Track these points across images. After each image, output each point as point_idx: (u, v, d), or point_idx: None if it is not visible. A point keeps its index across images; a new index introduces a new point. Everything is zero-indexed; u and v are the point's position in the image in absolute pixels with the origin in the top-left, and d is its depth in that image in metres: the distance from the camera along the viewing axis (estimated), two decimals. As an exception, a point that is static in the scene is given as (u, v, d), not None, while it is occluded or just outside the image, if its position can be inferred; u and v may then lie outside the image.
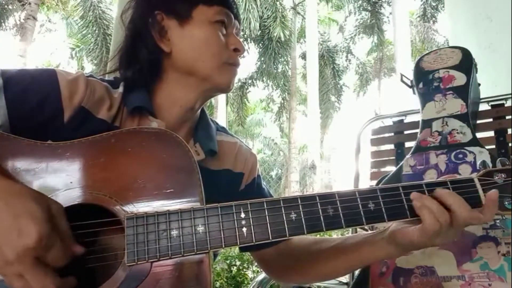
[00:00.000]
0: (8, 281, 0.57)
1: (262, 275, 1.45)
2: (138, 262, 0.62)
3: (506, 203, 0.68)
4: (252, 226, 0.64)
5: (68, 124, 0.75)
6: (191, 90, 0.85)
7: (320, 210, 0.66)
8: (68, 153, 0.70)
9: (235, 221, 0.64)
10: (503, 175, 0.69)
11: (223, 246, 0.63)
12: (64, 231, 0.61)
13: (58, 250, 0.58)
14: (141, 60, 0.85)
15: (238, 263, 5.31)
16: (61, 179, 0.68)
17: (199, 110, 0.92)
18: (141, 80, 0.85)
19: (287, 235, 0.64)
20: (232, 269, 5.35)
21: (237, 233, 0.64)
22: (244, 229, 0.64)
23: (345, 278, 1.62)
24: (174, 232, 0.63)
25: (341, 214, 0.66)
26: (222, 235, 0.63)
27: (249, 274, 5.29)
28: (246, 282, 5.16)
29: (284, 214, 0.65)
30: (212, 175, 0.86)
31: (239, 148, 0.96)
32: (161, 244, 0.63)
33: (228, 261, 5.35)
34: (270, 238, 0.64)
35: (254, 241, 0.63)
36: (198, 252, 0.63)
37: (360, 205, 0.67)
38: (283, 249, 0.91)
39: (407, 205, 0.68)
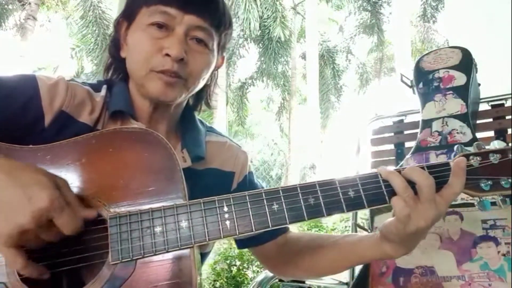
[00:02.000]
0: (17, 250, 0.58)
1: (262, 275, 1.45)
2: (123, 260, 0.63)
3: (483, 185, 0.69)
4: (235, 219, 0.65)
5: (49, 128, 0.75)
6: (142, 97, 0.84)
7: (301, 200, 0.67)
8: (49, 155, 0.70)
9: (218, 215, 0.65)
10: (478, 158, 0.70)
11: (207, 240, 0.64)
12: (72, 199, 0.62)
13: (69, 214, 0.60)
14: (114, 63, 0.88)
15: (238, 263, 5.31)
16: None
17: (175, 113, 0.90)
18: (119, 82, 0.86)
19: (270, 226, 0.66)
20: (232, 269, 5.35)
21: (220, 227, 0.65)
22: (228, 222, 0.65)
23: (345, 278, 1.62)
24: (158, 229, 0.64)
25: (322, 203, 0.67)
26: (206, 229, 0.64)
27: (249, 274, 5.29)
28: (246, 282, 5.16)
29: (266, 206, 0.66)
30: (197, 174, 0.86)
31: (229, 147, 0.96)
32: (145, 241, 0.63)
33: (228, 261, 5.35)
34: (254, 230, 0.65)
35: (237, 233, 0.65)
36: (182, 247, 0.63)
37: (340, 193, 0.68)
38: (282, 243, 0.92)
39: (386, 191, 0.68)
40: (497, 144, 0.72)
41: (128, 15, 0.84)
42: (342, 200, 0.68)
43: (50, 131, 0.75)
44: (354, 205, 0.68)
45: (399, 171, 0.69)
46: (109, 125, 0.81)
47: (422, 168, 0.69)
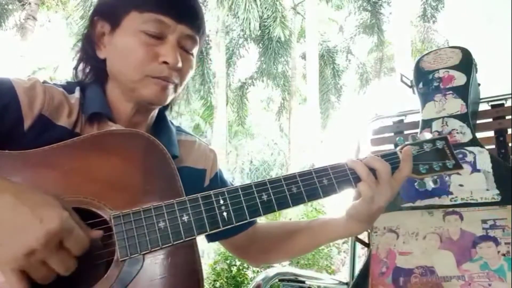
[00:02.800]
0: (27, 273, 0.56)
1: (262, 275, 1.45)
2: (131, 256, 0.65)
3: (421, 169, 0.85)
4: (231, 210, 0.71)
5: (28, 133, 0.73)
6: (126, 100, 0.84)
7: (286, 190, 0.76)
8: (42, 160, 0.69)
9: (216, 207, 0.71)
10: (416, 148, 0.86)
11: (208, 230, 0.69)
12: (78, 220, 0.62)
13: (78, 233, 0.60)
14: (89, 63, 0.86)
15: (238, 263, 5.31)
16: (38, 187, 0.66)
17: (153, 114, 0.91)
18: (92, 83, 0.85)
19: (262, 214, 0.73)
20: (232, 269, 5.35)
21: (219, 218, 0.70)
22: (225, 214, 0.71)
23: (345, 278, 1.63)
24: (161, 224, 0.67)
25: (303, 191, 0.77)
26: (206, 221, 0.69)
27: (249, 274, 5.30)
28: (246, 282, 5.17)
29: (257, 197, 0.74)
30: None
31: (198, 145, 0.99)
32: (151, 236, 0.66)
33: (228, 261, 5.36)
34: (248, 218, 0.72)
35: (234, 223, 0.71)
36: (186, 239, 0.67)
37: (316, 181, 0.78)
38: (252, 233, 0.97)
39: (352, 178, 0.80)
40: (426, 136, 0.89)
41: (110, 16, 0.82)
42: (318, 187, 0.78)
43: (29, 136, 0.73)
44: (328, 191, 0.79)
45: (361, 160, 0.81)
46: (86, 128, 0.80)
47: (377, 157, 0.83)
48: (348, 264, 1.67)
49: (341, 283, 1.58)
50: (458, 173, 1.34)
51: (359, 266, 1.50)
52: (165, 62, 0.79)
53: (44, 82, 0.80)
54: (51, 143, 0.71)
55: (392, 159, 0.83)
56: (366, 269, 1.35)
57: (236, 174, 15.80)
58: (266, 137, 17.83)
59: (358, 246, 1.68)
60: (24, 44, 11.40)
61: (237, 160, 16.86)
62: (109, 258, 0.65)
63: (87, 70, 0.87)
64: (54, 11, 14.18)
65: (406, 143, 0.88)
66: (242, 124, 14.94)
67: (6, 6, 12.34)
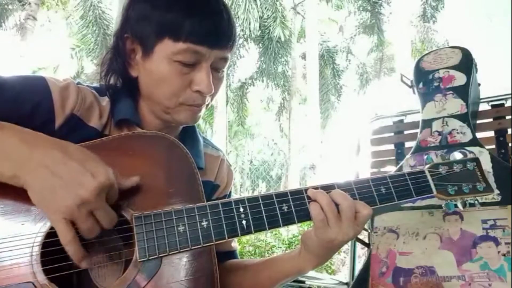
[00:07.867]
0: (76, 224, 0.61)
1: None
2: (150, 258, 0.65)
3: (450, 190, 0.82)
4: (250, 219, 0.71)
5: (58, 131, 0.74)
6: (157, 117, 0.85)
7: (307, 202, 0.74)
8: None
9: (235, 215, 0.71)
10: (446, 167, 0.83)
11: (226, 237, 0.69)
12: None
13: (116, 187, 0.65)
14: (120, 77, 0.85)
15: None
16: None
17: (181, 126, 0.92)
18: (122, 92, 0.84)
19: (281, 225, 0.72)
20: (232, 269, 5.32)
21: (238, 226, 0.70)
22: (244, 222, 0.71)
23: (345, 278, 1.63)
24: (181, 228, 0.68)
25: None
26: (225, 228, 0.69)
27: (249, 274, 5.27)
28: (246, 282, 5.13)
29: (277, 207, 0.73)
30: None
31: (221, 162, 0.99)
32: (170, 239, 0.67)
33: (228, 261, 5.33)
34: (267, 228, 0.71)
35: (253, 231, 0.71)
36: (204, 245, 0.68)
37: None
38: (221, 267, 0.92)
39: (375, 194, 0.77)
40: (457, 156, 0.86)
41: (142, 38, 0.79)
42: None
43: (59, 134, 0.74)
44: (369, 203, 0.75)
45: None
46: (115, 131, 0.81)
47: (404, 175, 0.80)
48: (348, 264, 1.68)
49: (341, 283, 1.59)
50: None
51: (359, 266, 1.50)
52: (198, 91, 0.78)
53: (78, 83, 0.81)
54: (80, 142, 0.72)
55: (418, 178, 0.80)
56: (366, 269, 1.35)
57: (236, 174, 15.79)
58: (266, 137, 17.82)
59: (358, 246, 1.68)
60: (24, 44, 11.39)
61: (237, 160, 16.85)
62: (128, 258, 0.67)
63: (116, 77, 0.85)
64: (54, 11, 14.18)
65: (434, 162, 0.84)
66: (242, 124, 14.94)
67: (6, 6, 12.34)
